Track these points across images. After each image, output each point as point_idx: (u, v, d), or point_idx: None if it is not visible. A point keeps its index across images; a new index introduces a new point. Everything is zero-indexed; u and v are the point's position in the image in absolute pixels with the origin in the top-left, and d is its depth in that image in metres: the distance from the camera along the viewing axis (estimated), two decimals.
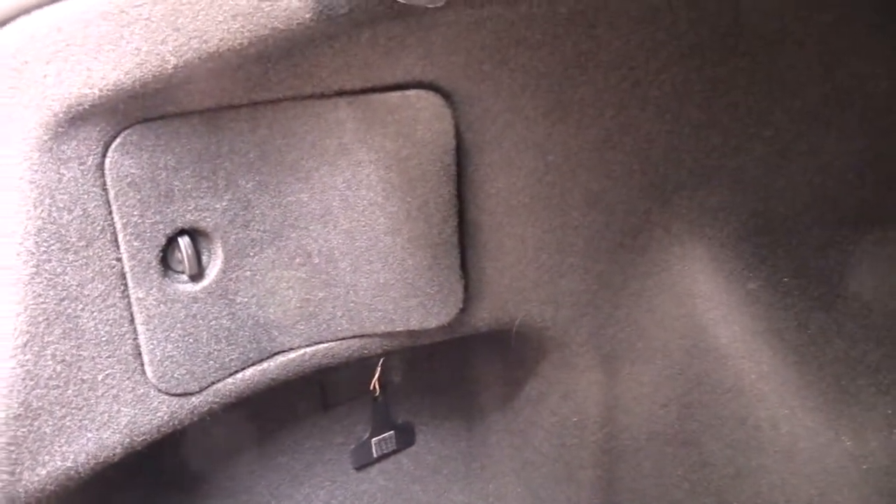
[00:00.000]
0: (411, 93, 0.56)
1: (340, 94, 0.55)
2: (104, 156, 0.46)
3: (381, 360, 0.71)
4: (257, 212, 0.54)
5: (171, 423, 0.54)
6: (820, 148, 0.67)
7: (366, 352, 0.63)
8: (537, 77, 0.58)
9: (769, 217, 0.67)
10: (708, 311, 0.66)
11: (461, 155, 0.59)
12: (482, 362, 0.78)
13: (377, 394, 0.73)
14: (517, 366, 0.77)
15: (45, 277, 0.46)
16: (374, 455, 0.74)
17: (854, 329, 0.65)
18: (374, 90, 0.55)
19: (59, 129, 0.44)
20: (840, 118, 0.66)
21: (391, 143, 0.56)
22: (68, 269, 0.47)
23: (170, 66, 0.45)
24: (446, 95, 0.57)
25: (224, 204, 0.53)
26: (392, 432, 0.76)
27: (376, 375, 0.72)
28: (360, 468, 0.75)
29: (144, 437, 0.52)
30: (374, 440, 0.74)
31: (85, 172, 0.46)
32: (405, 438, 0.77)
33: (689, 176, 0.65)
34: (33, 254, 0.45)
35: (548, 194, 0.62)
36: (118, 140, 0.47)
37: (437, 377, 0.78)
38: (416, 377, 0.77)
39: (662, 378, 0.69)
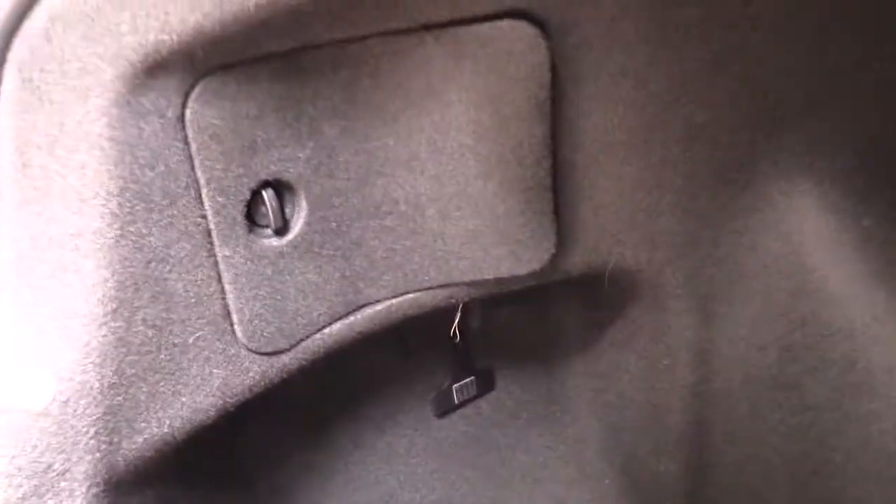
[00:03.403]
0: (503, 23, 0.50)
1: (427, 27, 0.50)
2: (184, 107, 0.43)
3: (461, 305, 0.68)
4: (342, 159, 0.51)
5: (262, 383, 0.52)
6: None
7: (452, 300, 0.60)
8: None
9: (886, 146, 0.61)
10: (816, 250, 0.61)
11: (555, 90, 0.54)
12: (563, 305, 0.75)
13: (457, 339, 0.71)
14: (601, 308, 0.74)
15: (131, 240, 0.43)
16: (455, 401, 0.72)
17: None
18: (462, 22, 0.50)
19: (137, 81, 0.40)
20: None
21: (482, 80, 0.51)
22: (154, 229, 0.44)
23: (250, 5, 0.40)
24: (540, 24, 0.51)
25: (308, 152, 0.49)
26: (472, 378, 0.73)
27: (456, 321, 0.70)
28: (441, 415, 0.74)
29: (237, 397, 0.50)
30: (454, 386, 0.72)
31: (165, 126, 0.42)
32: (486, 383, 0.75)
33: (800, 102, 0.59)
34: (117, 216, 0.43)
35: (647, 128, 0.57)
36: (198, 89, 0.43)
37: (517, 321, 0.76)
38: (496, 321, 0.75)
39: (762, 320, 0.65)
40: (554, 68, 0.53)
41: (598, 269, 0.62)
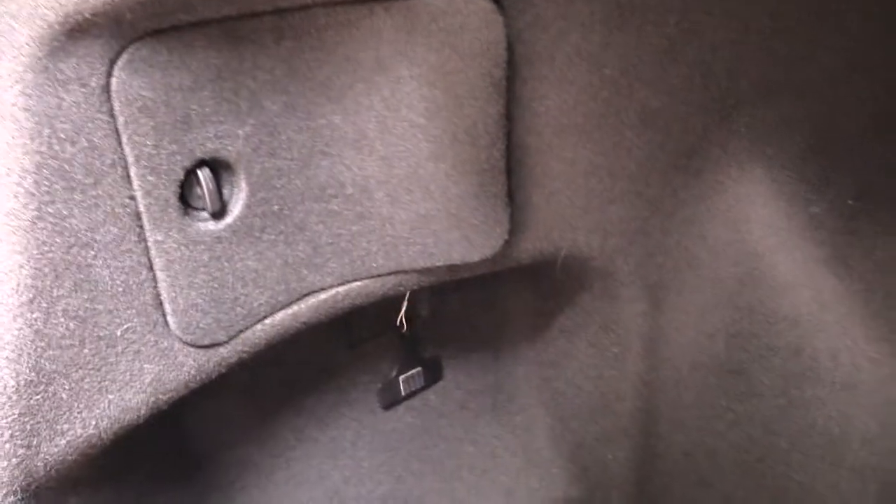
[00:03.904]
0: None
1: None
2: (109, 75, 0.39)
3: (408, 294, 0.65)
4: (284, 137, 0.47)
5: (198, 378, 0.48)
6: (891, 58, 0.61)
7: (401, 289, 0.58)
8: None
9: (833, 134, 0.61)
10: (765, 237, 0.61)
11: (509, 69, 0.52)
12: (513, 293, 0.74)
13: (404, 329, 0.68)
14: (551, 296, 0.72)
15: (50, 222, 0.39)
16: (402, 393, 0.70)
17: None
18: None
19: (56, 44, 0.36)
20: None
21: (435, 56, 0.49)
22: (75, 210, 0.40)
23: None
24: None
25: (247, 129, 0.45)
26: (420, 368, 0.71)
27: (403, 309, 0.67)
28: (387, 407, 0.71)
29: (171, 394, 0.47)
30: (401, 377, 0.70)
31: (88, 96, 0.38)
32: (433, 374, 0.73)
33: (751, 89, 0.59)
34: (34, 195, 0.38)
35: (602, 112, 0.56)
36: (125, 56, 0.39)
37: (465, 309, 0.73)
38: (444, 310, 0.72)
39: (710, 307, 0.65)
40: (510, 46, 0.51)
41: (549, 256, 0.61)
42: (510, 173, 0.55)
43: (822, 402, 0.61)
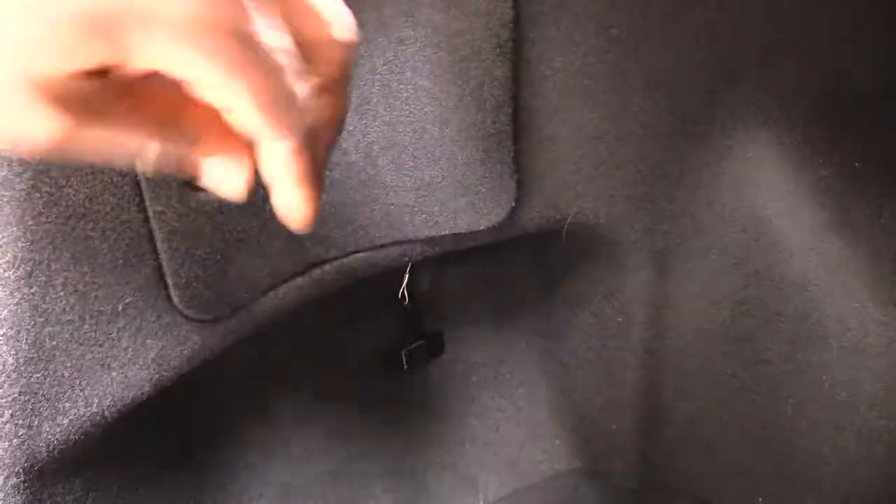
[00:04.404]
0: None
1: None
2: None
3: (409, 266, 0.64)
4: None
5: (202, 353, 0.47)
6: (894, 18, 0.60)
7: (406, 259, 0.56)
8: None
9: (839, 97, 0.60)
10: (772, 201, 0.60)
11: (515, 30, 0.50)
12: (515, 264, 0.72)
13: (406, 302, 0.67)
14: (554, 266, 0.71)
15: (46, 192, 0.37)
16: (405, 367, 0.69)
17: None
18: None
19: None
20: None
21: (440, 16, 0.47)
22: (72, 180, 0.38)
23: None
24: None
25: None
26: (422, 342, 0.70)
27: (404, 283, 0.66)
28: (389, 381, 0.70)
29: (175, 370, 0.45)
30: (403, 351, 0.68)
31: None
32: (435, 347, 0.72)
33: (757, 52, 0.58)
34: (28, 163, 0.36)
35: (608, 75, 0.54)
36: None
37: (467, 280, 0.72)
38: (445, 282, 0.71)
39: (716, 274, 0.64)
40: (516, 6, 0.49)
41: (555, 224, 0.60)
42: (516, 138, 0.54)
43: (829, 366, 0.61)
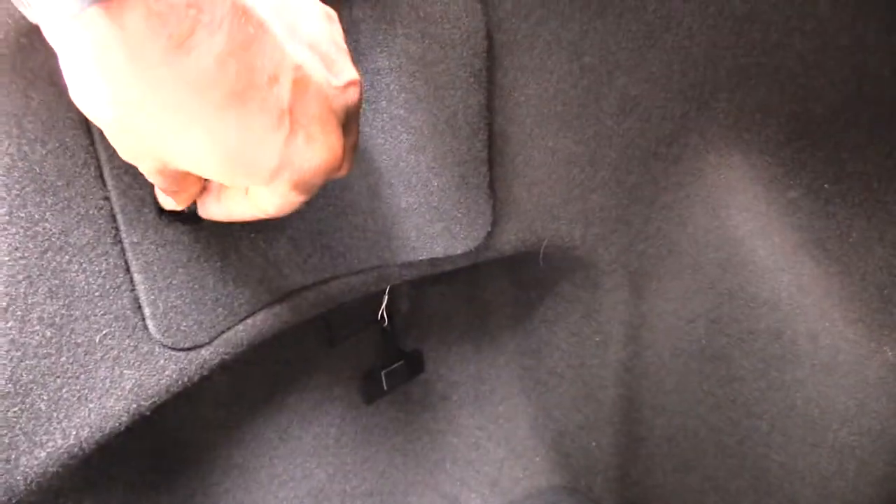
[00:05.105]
0: None
1: None
2: None
3: (388, 288, 0.65)
4: None
5: (179, 382, 0.47)
6: (862, 43, 0.61)
7: (384, 284, 0.57)
8: None
9: (808, 119, 0.62)
10: (744, 222, 0.62)
11: (489, 58, 0.51)
12: (494, 284, 0.73)
13: (385, 323, 0.68)
14: (532, 286, 0.72)
15: (22, 226, 0.38)
16: (385, 387, 0.69)
17: None
18: None
19: (23, 41, 0.34)
20: (887, 10, 0.60)
21: (415, 47, 0.48)
22: (48, 214, 0.38)
23: None
24: None
25: None
26: (401, 362, 0.70)
27: (384, 304, 0.66)
28: (370, 402, 0.71)
29: (152, 399, 0.45)
30: (383, 372, 0.69)
31: (59, 94, 0.37)
32: (414, 367, 0.72)
33: (728, 76, 0.59)
34: (4, 198, 0.37)
35: (582, 101, 0.55)
36: None
37: (446, 301, 0.73)
38: (424, 302, 0.72)
39: (691, 293, 0.65)
40: (489, 35, 0.50)
41: (532, 246, 0.60)
42: (491, 164, 0.55)
43: (802, 384, 0.62)
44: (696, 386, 0.68)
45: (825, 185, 0.61)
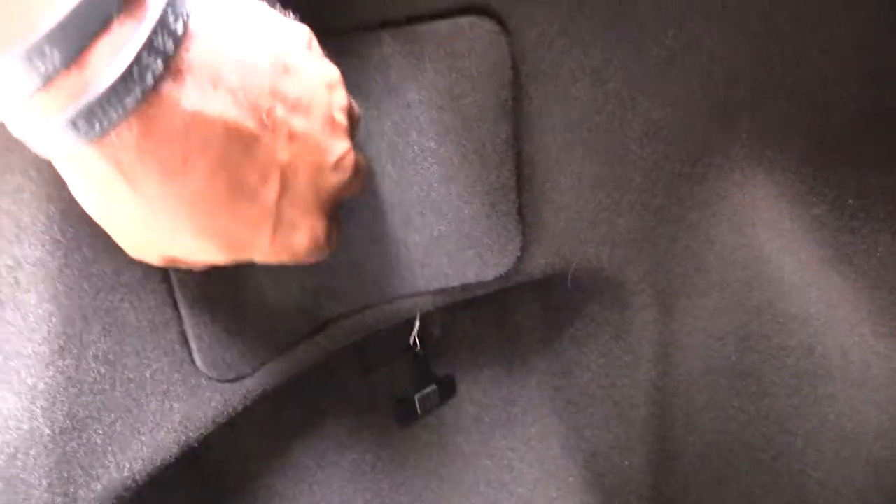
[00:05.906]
0: (462, 20, 0.49)
1: (384, 25, 0.47)
2: None
3: (419, 314, 0.66)
4: None
5: (224, 412, 0.48)
6: (880, 57, 0.62)
7: (417, 311, 0.58)
8: None
9: (830, 136, 0.62)
10: (770, 239, 0.62)
11: (515, 88, 0.53)
12: (523, 306, 0.74)
13: (417, 348, 0.69)
14: (561, 308, 0.73)
15: (77, 269, 0.39)
16: (418, 412, 0.70)
17: None
18: (420, 19, 0.48)
19: None
20: None
21: (443, 80, 0.49)
22: (101, 255, 0.40)
23: None
24: (500, 21, 0.50)
25: None
26: (434, 386, 0.71)
27: (415, 330, 0.68)
28: (404, 426, 0.72)
29: (200, 431, 0.47)
30: (416, 396, 0.70)
31: None
32: (447, 391, 0.73)
33: (749, 95, 0.60)
34: (60, 242, 0.38)
35: (606, 126, 0.57)
36: None
37: (476, 324, 0.74)
38: (455, 326, 0.73)
39: (720, 311, 0.66)
40: (515, 66, 0.52)
41: (560, 269, 0.61)
42: (520, 191, 0.56)
43: (835, 398, 0.62)
44: (727, 403, 0.68)
45: (849, 201, 0.62)
